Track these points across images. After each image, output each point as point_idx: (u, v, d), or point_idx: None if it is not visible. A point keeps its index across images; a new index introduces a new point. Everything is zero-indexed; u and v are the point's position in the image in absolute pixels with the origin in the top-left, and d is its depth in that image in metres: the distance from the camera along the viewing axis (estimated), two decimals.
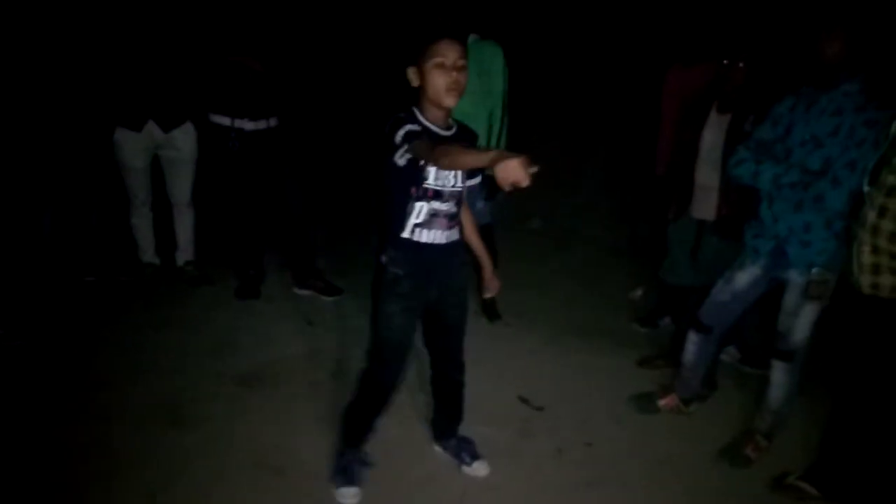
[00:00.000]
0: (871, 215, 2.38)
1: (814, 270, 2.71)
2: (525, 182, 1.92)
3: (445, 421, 2.94)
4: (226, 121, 3.98)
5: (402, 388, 3.12)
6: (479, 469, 2.85)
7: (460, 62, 2.29)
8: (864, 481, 2.67)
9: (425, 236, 2.44)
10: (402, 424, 3.09)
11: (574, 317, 4.28)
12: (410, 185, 2.36)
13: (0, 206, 3.71)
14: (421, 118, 2.36)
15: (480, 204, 3.80)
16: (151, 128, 3.99)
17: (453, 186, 2.42)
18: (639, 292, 4.54)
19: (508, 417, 3.22)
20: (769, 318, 2.96)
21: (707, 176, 3.29)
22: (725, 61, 3.18)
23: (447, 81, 2.27)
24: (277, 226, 4.32)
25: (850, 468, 2.70)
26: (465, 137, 2.45)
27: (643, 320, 4.18)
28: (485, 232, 3.96)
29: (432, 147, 2.17)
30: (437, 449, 2.96)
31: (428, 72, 2.29)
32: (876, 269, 2.41)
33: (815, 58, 2.62)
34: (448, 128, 2.41)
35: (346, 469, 2.71)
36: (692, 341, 3.17)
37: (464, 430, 2.94)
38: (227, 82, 3.90)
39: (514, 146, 3.82)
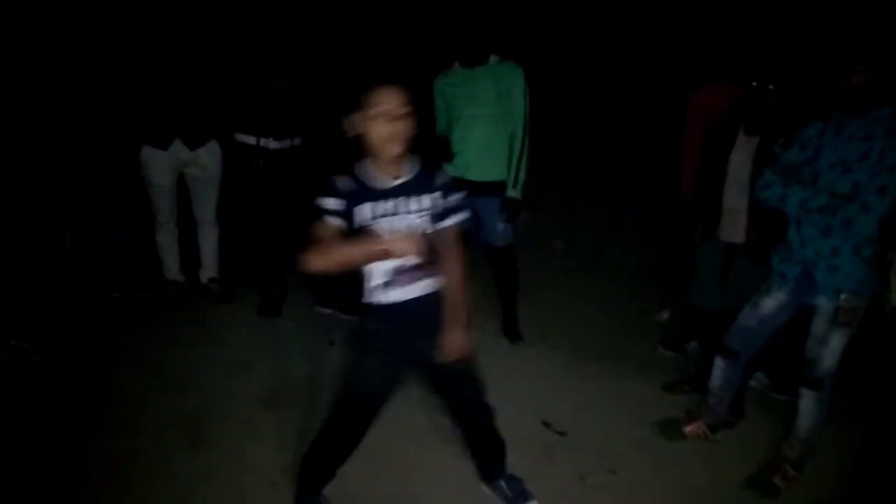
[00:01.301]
0: None
1: (842, 296, 2.66)
2: (418, 253, 2.13)
3: (486, 460, 2.82)
4: (251, 140, 4.01)
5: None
6: None
7: (403, 110, 2.14)
8: None
9: (395, 295, 2.29)
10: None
11: (598, 340, 4.22)
12: None
13: (20, 223, 3.74)
14: (361, 174, 2.24)
15: (501, 226, 3.79)
16: (178, 146, 4.03)
17: None
18: (665, 315, 4.47)
19: (530, 442, 3.17)
20: (798, 343, 2.89)
21: (735, 198, 3.24)
22: (755, 83, 3.14)
23: (390, 131, 2.14)
24: (300, 245, 4.31)
25: (882, 498, 2.63)
26: (418, 184, 2.27)
27: (669, 344, 4.11)
28: (505, 254, 3.96)
29: (319, 241, 2.19)
30: (486, 490, 2.84)
31: (370, 121, 2.15)
32: None
33: (843, 86, 2.58)
34: (397, 177, 2.25)
35: None
36: (719, 367, 3.12)
37: None
38: (253, 101, 3.94)
39: (535, 169, 3.80)
